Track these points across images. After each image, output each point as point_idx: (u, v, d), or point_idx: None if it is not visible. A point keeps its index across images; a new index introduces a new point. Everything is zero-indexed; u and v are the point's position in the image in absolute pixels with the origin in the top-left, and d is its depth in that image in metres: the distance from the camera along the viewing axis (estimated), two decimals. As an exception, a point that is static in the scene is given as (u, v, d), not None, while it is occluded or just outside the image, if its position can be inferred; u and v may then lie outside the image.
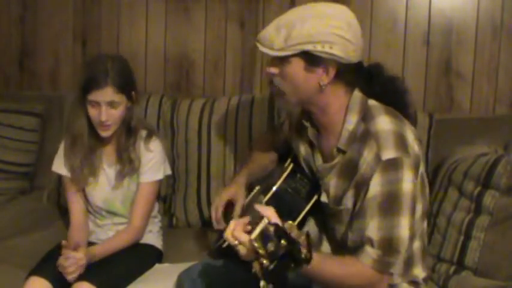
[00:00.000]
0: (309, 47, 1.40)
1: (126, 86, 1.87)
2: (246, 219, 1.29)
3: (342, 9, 1.46)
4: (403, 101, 1.54)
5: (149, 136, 1.97)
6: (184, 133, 2.36)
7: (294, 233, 1.12)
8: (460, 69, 2.40)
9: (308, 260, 1.11)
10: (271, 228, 1.12)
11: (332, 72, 1.43)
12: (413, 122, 1.55)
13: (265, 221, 1.15)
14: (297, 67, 1.43)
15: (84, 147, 1.92)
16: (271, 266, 1.09)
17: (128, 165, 1.93)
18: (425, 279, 1.56)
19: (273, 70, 1.47)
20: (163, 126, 2.40)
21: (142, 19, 2.69)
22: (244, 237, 1.21)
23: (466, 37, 2.38)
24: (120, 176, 1.95)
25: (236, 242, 1.23)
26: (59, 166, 1.98)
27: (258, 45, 1.48)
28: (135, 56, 2.67)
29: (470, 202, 1.85)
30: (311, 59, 1.41)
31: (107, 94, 1.81)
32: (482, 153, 1.90)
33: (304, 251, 1.11)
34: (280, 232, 1.11)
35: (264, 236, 1.12)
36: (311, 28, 1.39)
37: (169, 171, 2.05)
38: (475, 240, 1.80)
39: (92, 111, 1.84)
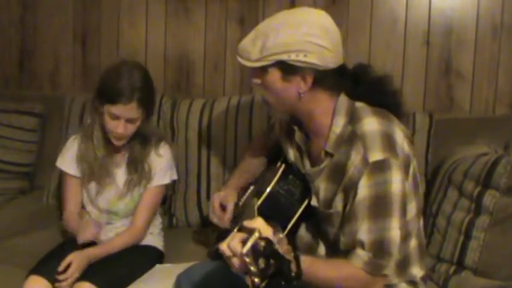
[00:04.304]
0: (283, 57, 1.39)
1: (149, 102, 1.88)
2: (244, 234, 1.23)
3: (318, 15, 1.44)
4: (393, 101, 1.52)
5: (158, 141, 1.99)
6: (184, 133, 2.36)
7: (284, 249, 1.12)
8: (460, 69, 2.40)
9: (298, 277, 1.11)
10: (262, 243, 1.12)
11: (310, 79, 1.42)
12: (405, 120, 1.53)
13: (255, 235, 1.14)
14: (274, 77, 1.43)
15: (99, 153, 1.93)
16: (263, 285, 1.10)
17: (141, 175, 1.95)
18: (423, 279, 1.55)
19: (256, 80, 1.47)
20: (163, 126, 2.40)
21: (142, 19, 2.69)
22: (238, 250, 1.18)
23: (466, 37, 2.38)
24: (131, 185, 1.96)
25: (231, 255, 1.20)
26: (68, 165, 1.98)
27: (237, 57, 1.48)
28: (135, 56, 2.66)
29: (470, 202, 1.84)
30: (287, 69, 1.41)
31: (130, 110, 1.82)
32: (482, 153, 1.90)
33: (294, 268, 1.11)
34: (270, 249, 1.11)
35: (254, 251, 1.12)
36: (285, 37, 1.39)
37: (175, 177, 2.07)
38: (475, 240, 1.80)
39: (109, 122, 1.84)
